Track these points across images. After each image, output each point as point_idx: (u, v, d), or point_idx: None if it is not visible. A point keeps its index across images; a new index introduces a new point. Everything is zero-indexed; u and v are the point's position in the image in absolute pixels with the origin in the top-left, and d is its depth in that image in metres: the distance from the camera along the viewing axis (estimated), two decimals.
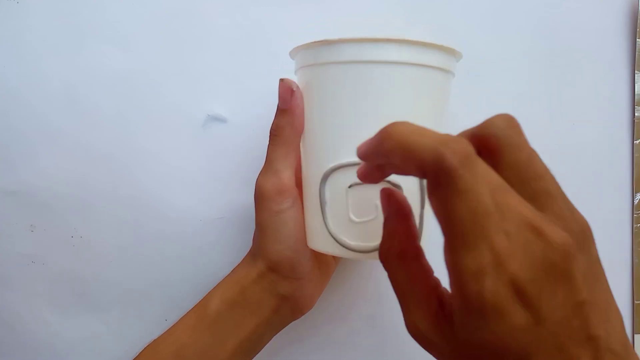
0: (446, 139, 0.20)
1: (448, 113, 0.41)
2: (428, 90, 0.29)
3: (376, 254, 0.30)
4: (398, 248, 0.25)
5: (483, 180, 0.19)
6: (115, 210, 0.41)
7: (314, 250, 0.33)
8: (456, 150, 0.19)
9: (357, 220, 0.30)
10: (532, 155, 0.22)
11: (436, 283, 0.24)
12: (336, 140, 0.30)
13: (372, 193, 0.29)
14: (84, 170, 0.41)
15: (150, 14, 0.41)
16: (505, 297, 0.19)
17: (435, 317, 0.23)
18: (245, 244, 0.41)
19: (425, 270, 0.25)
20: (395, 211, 0.25)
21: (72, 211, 0.41)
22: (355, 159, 0.29)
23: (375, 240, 0.30)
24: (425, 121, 0.29)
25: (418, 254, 0.25)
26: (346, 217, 0.30)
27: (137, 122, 0.41)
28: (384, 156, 0.22)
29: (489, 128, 0.22)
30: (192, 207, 0.41)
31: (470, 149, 0.20)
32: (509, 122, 0.22)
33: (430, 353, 0.23)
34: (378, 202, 0.29)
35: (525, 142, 0.22)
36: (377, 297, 0.42)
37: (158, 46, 0.41)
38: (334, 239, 0.30)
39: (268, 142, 0.33)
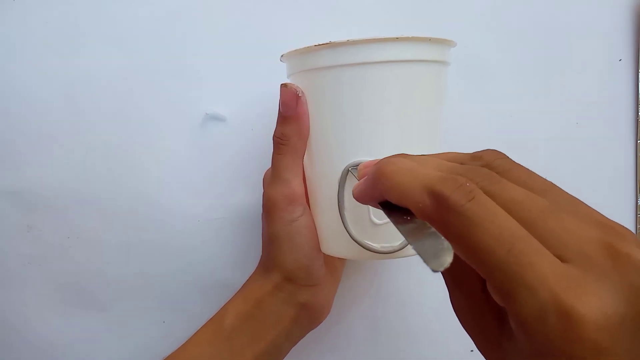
0: (441, 176, 0.18)
1: (452, 114, 0.41)
2: (432, 82, 0.30)
3: (401, 252, 0.30)
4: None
5: (496, 205, 0.17)
6: (112, 211, 0.41)
7: (324, 255, 0.33)
8: (456, 186, 0.17)
9: (378, 222, 0.30)
10: (530, 171, 0.20)
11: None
12: (350, 143, 0.29)
13: None
14: (81, 170, 0.41)
15: (149, 14, 0.40)
16: (581, 342, 0.14)
17: (479, 306, 0.20)
18: (244, 244, 0.41)
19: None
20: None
21: (69, 212, 0.41)
22: (372, 157, 0.29)
23: (399, 238, 0.30)
24: (433, 110, 0.30)
25: None
26: (367, 220, 0.30)
27: (136, 122, 0.41)
28: (379, 197, 0.21)
29: (480, 159, 0.20)
30: (191, 207, 0.41)
31: (467, 181, 0.18)
32: (498, 153, 0.21)
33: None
34: None
35: (519, 164, 0.20)
36: (377, 297, 0.42)
37: (157, 45, 0.41)
38: (358, 243, 0.30)
39: (273, 151, 0.32)
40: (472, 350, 0.42)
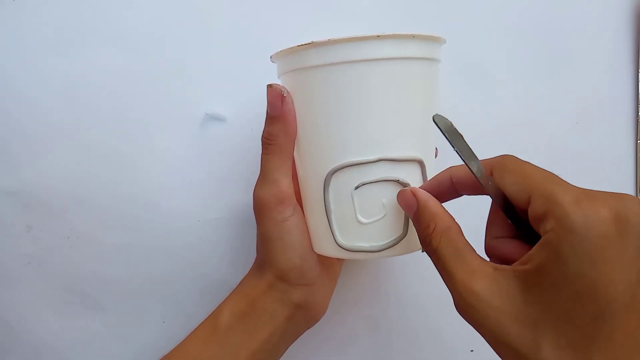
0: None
1: (452, 114, 0.41)
2: (418, 81, 0.29)
3: (389, 251, 0.30)
4: (443, 225, 0.26)
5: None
6: (112, 210, 0.41)
7: (318, 255, 0.33)
8: None
9: (365, 221, 0.30)
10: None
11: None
12: (336, 143, 0.29)
13: (378, 192, 0.29)
14: (81, 170, 0.41)
15: (148, 14, 0.40)
16: (609, 225, 0.19)
17: (495, 278, 0.23)
18: (244, 244, 0.41)
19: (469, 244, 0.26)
20: (428, 198, 0.27)
21: (69, 211, 0.41)
22: (358, 158, 0.29)
23: (386, 237, 0.30)
24: (422, 109, 0.30)
25: (460, 229, 0.26)
26: (354, 220, 0.30)
27: (135, 122, 0.41)
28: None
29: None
30: (191, 207, 0.41)
31: None
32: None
33: (480, 325, 0.23)
34: (385, 200, 0.29)
35: None
36: (377, 297, 0.42)
37: (156, 46, 0.41)
38: (343, 248, 0.30)
39: (261, 151, 0.32)
40: (472, 350, 0.42)
